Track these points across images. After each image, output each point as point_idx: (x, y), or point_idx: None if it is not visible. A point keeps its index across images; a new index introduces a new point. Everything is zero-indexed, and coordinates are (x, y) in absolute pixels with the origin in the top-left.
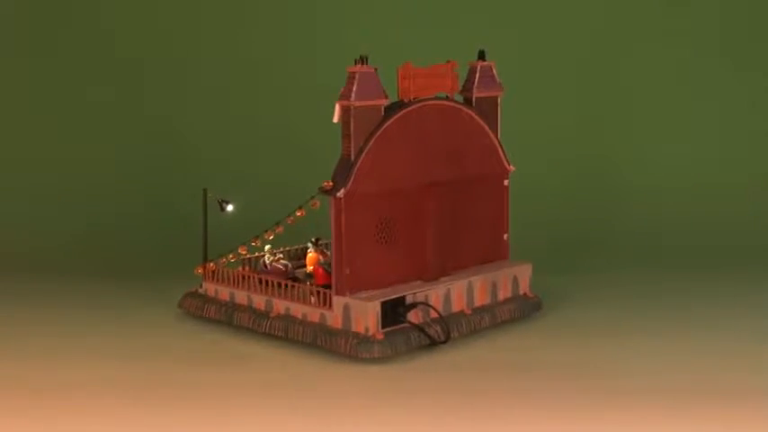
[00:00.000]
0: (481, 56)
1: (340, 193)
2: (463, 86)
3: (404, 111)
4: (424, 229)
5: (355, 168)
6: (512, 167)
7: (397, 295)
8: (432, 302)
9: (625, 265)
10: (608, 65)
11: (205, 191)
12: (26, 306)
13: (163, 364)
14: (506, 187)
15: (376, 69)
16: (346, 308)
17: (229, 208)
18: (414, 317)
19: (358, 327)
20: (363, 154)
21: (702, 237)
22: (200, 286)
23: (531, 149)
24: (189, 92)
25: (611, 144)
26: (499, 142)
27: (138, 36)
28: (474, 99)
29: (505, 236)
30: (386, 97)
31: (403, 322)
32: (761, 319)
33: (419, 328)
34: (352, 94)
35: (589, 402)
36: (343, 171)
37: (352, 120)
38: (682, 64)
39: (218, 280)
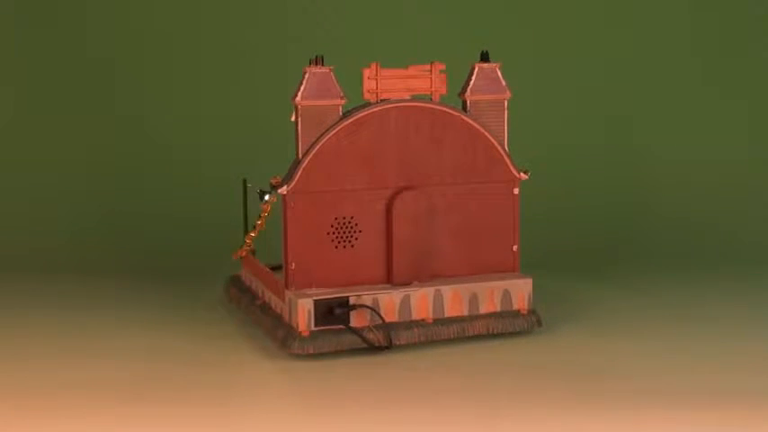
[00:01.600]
0: (484, 57)
1: (282, 190)
2: (461, 89)
3: (364, 112)
4: (390, 232)
5: (301, 167)
6: (523, 175)
7: (340, 295)
8: (382, 307)
9: (624, 266)
10: (608, 64)
11: (245, 181)
12: (26, 306)
13: (163, 365)
14: (516, 196)
15: (331, 69)
16: (289, 302)
17: (267, 197)
18: (360, 319)
19: (293, 322)
20: (312, 153)
21: (703, 237)
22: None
23: (531, 150)
24: (189, 90)
25: (611, 144)
26: (504, 148)
27: (136, 36)
28: (468, 102)
29: (515, 247)
30: (342, 98)
31: (340, 322)
32: (761, 319)
33: (354, 331)
34: (299, 94)
35: (588, 403)
36: (291, 169)
37: (299, 119)
38: (684, 62)
39: (244, 265)
